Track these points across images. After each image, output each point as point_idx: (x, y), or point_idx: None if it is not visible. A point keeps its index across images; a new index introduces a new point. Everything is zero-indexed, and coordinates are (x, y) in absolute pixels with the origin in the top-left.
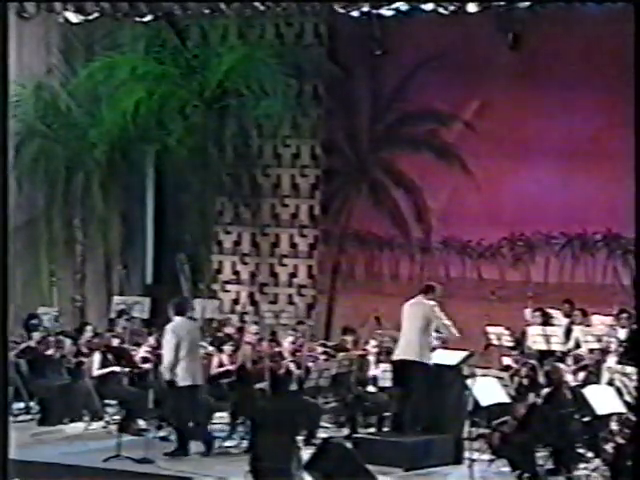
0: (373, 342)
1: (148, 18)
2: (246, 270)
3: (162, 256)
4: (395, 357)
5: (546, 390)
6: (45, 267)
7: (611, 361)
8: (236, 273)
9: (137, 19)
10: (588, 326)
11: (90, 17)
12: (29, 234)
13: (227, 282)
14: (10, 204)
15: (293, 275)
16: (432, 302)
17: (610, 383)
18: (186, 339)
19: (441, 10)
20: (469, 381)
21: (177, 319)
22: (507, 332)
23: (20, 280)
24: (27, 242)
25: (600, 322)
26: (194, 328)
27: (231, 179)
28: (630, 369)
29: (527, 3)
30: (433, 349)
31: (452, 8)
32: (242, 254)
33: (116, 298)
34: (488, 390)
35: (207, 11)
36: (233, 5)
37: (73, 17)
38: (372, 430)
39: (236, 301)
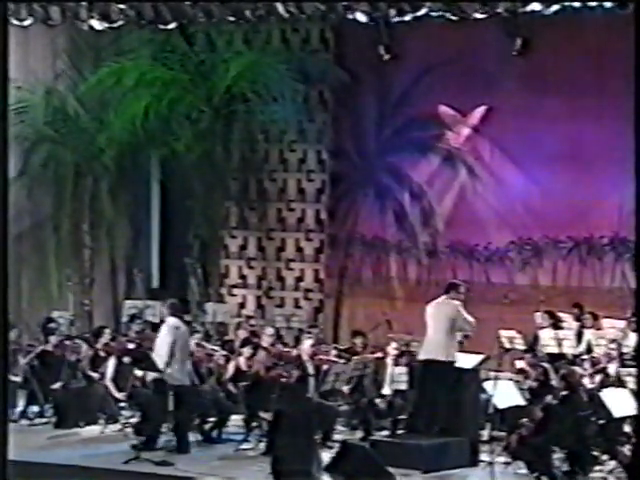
0: (394, 344)
1: (172, 25)
2: (252, 274)
3: (167, 260)
4: (422, 357)
5: (562, 393)
6: (54, 271)
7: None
8: (242, 277)
9: (161, 26)
10: (599, 329)
11: (115, 24)
12: (37, 238)
13: (234, 286)
14: (19, 209)
15: (299, 279)
16: (457, 302)
17: (622, 386)
18: (181, 339)
19: (449, 15)
20: (489, 384)
21: (173, 319)
22: (519, 336)
23: (27, 284)
24: (35, 246)
25: (611, 325)
26: (186, 330)
27: (237, 184)
28: None
29: (535, 7)
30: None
31: (478, 16)
32: (248, 258)
33: (128, 302)
34: (504, 393)
35: (232, 18)
36: (257, 12)
37: (98, 24)
38: (385, 433)
39: (242, 305)
